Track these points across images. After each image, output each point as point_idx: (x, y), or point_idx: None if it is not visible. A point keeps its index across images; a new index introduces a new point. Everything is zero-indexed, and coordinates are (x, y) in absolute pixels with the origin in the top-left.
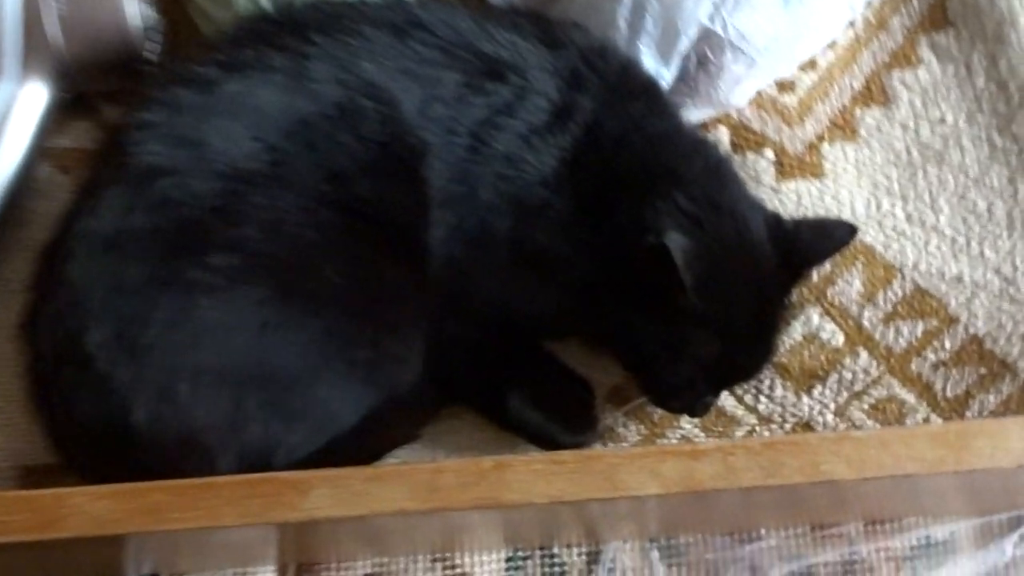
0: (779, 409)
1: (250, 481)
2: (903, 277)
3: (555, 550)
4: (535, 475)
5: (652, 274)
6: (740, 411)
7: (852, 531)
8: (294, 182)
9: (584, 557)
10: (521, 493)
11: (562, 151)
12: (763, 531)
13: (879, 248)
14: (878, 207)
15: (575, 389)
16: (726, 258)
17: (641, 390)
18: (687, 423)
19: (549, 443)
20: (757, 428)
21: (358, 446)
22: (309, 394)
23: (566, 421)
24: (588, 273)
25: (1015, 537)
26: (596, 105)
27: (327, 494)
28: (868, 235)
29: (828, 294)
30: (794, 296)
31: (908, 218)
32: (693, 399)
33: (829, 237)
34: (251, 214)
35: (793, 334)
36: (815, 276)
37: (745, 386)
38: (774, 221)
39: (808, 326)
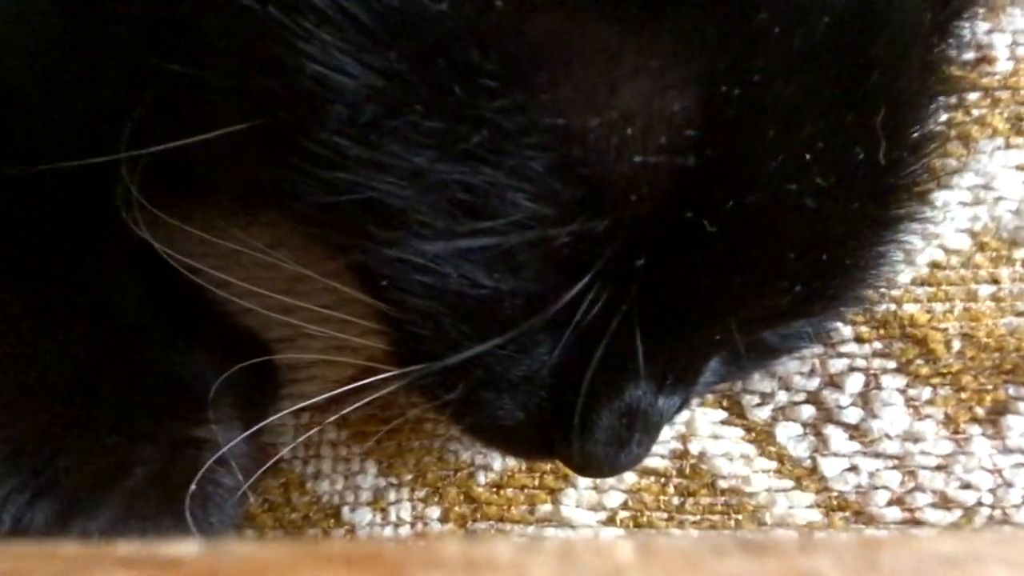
0: (897, 475)
1: None
2: None
3: None
4: None
5: None
6: (763, 471)
7: None
8: None
9: None
10: None
11: None
12: None
13: None
14: None
15: (174, 374)
16: None
17: (403, 358)
18: (576, 500)
19: None
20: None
21: None
22: None
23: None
24: None
25: None
26: None
27: None
28: None
29: None
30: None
31: None
32: (591, 408)
33: None
34: None
35: (946, 238)
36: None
37: (784, 387)
38: None
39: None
